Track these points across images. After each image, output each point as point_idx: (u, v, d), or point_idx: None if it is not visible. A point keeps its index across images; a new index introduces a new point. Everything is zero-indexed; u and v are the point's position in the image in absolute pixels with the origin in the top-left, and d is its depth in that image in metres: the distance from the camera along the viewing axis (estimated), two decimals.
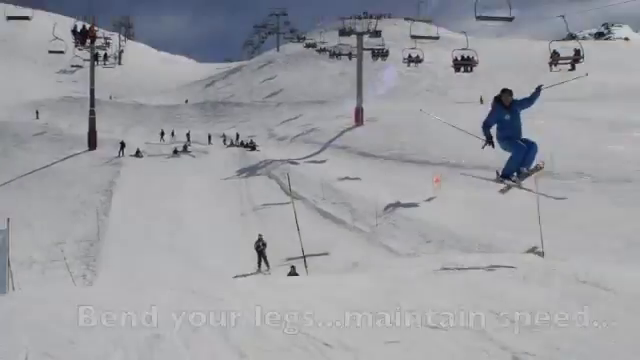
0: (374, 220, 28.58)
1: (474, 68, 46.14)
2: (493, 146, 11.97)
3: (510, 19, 21.63)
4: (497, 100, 11.58)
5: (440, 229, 24.78)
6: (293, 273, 21.27)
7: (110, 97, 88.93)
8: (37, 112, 73.35)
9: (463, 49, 44.18)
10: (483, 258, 13.67)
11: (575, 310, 7.16)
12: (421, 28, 37.56)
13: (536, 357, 5.87)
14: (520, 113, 11.79)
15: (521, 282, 8.74)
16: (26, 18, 47.88)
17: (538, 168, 12.66)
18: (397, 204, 30.94)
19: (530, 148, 11.81)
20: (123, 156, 53.33)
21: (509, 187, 12.51)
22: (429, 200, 30.60)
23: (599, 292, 7.70)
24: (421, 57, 54.24)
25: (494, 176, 12.67)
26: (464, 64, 44.70)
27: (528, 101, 11.96)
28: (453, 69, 48.06)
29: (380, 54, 61.88)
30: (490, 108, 11.78)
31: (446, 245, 22.94)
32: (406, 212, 28.96)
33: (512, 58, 64.54)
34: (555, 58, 34.83)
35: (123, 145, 55.04)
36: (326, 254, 22.01)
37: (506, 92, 11.65)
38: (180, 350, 6.55)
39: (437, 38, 39.02)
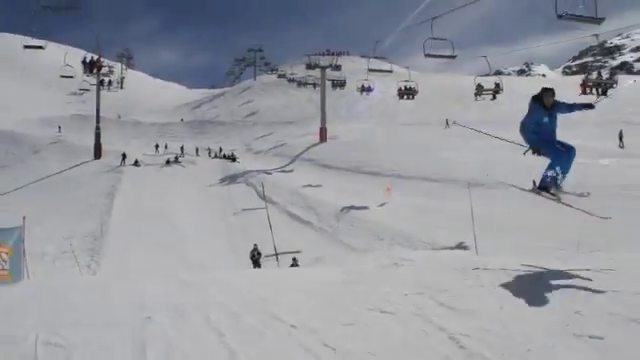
0: (335, 222, 28.71)
1: (416, 97, 46.63)
2: (539, 153, 10.29)
3: (453, 57, 21.82)
4: (536, 100, 9.84)
5: (390, 229, 24.87)
6: (295, 264, 21.30)
7: (119, 116, 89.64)
8: (59, 127, 74.17)
9: (406, 81, 44.72)
10: (426, 253, 13.72)
11: (502, 298, 7.19)
12: (376, 63, 37.80)
13: (469, 337, 5.87)
14: (557, 117, 10.04)
15: (457, 274, 8.73)
16: (40, 47, 47.87)
17: (583, 195, 11.27)
18: (351, 207, 31.15)
19: (569, 153, 10.23)
20: (124, 165, 53.44)
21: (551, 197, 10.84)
22: (381, 205, 30.75)
23: (520, 283, 7.73)
24: (372, 87, 55.27)
25: (530, 186, 11.42)
26: (407, 93, 45.17)
27: (569, 108, 10.13)
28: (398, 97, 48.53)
29: (339, 84, 62.45)
30: (528, 109, 9.94)
31: (395, 242, 23.04)
32: (360, 214, 29.08)
33: (449, 90, 65.39)
34: (479, 90, 35.39)
35: (124, 156, 55.38)
36: (298, 252, 21.99)
37: (548, 92, 9.76)
38: (168, 330, 6.59)
39: (390, 72, 39.37)
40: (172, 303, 7.79)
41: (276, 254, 20.48)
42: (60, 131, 72.21)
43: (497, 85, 34.05)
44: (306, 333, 6.32)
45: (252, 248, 24.71)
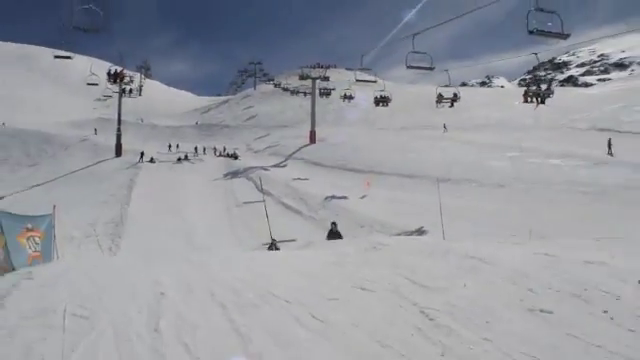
0: (322, 211, 28.72)
1: (392, 105, 46.78)
2: None
3: (432, 69, 21.82)
4: None
5: (370, 218, 24.90)
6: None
7: (141, 120, 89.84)
8: (95, 129, 74.10)
9: (382, 90, 44.77)
10: (400, 239, 13.72)
11: (466, 278, 7.21)
12: (363, 75, 37.81)
13: (438, 311, 5.92)
14: None
15: (428, 257, 8.76)
16: (68, 57, 47.45)
17: None
18: (333, 197, 31.36)
19: None
20: (142, 162, 53.18)
21: None
22: (362, 197, 30.77)
23: (483, 265, 7.77)
24: (353, 95, 55.55)
25: None
26: (382, 101, 45.32)
27: None
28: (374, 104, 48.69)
29: (325, 93, 62.58)
30: None
31: (374, 229, 23.05)
32: (344, 204, 29.13)
33: (421, 98, 65.52)
34: (440, 98, 35.57)
35: (142, 154, 55.13)
36: (294, 240, 21.98)
37: None
38: (178, 304, 6.63)
39: (375, 82, 39.37)
40: (182, 280, 7.80)
41: (272, 242, 20.40)
42: (96, 133, 71.95)
43: (455, 95, 34.24)
44: (297, 306, 6.34)
45: (270, 242, 23.83)
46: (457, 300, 6.28)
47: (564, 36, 15.05)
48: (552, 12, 14.70)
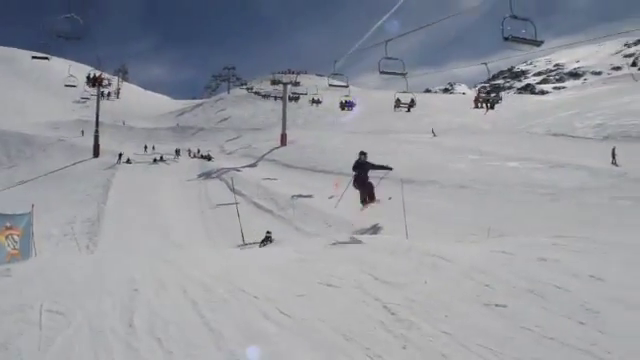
0: (291, 210, 28.67)
1: (358, 109, 47.07)
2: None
3: (404, 74, 21.81)
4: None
5: (337, 217, 24.86)
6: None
7: (123, 122, 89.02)
8: (82, 131, 72.59)
9: (346, 96, 44.96)
10: (365, 237, 13.76)
11: (426, 274, 7.26)
12: (335, 80, 37.71)
13: (399, 305, 5.97)
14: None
15: (391, 255, 8.81)
16: (46, 58, 46.71)
17: None
18: (299, 195, 31.47)
19: None
20: (120, 163, 52.79)
21: None
22: (330, 198, 30.75)
23: (443, 263, 7.84)
24: (321, 100, 55.68)
25: None
26: (347, 106, 45.58)
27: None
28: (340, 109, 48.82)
29: (295, 98, 62.77)
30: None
31: (341, 229, 23.02)
32: (312, 204, 29.12)
33: (386, 103, 66.17)
34: (397, 103, 35.74)
35: (120, 156, 54.83)
36: (270, 238, 21.99)
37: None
38: (152, 300, 6.62)
39: (347, 87, 39.45)
40: (156, 277, 7.78)
41: (244, 243, 20.33)
42: (83, 134, 71.01)
43: (412, 100, 34.48)
44: (265, 302, 6.34)
45: (264, 237, 23.02)
46: (417, 295, 6.34)
47: (538, 43, 15.00)
48: (526, 20, 14.46)
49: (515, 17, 14.23)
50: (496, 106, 31.40)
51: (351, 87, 49.45)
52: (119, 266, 9.10)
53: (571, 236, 9.60)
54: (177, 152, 63.88)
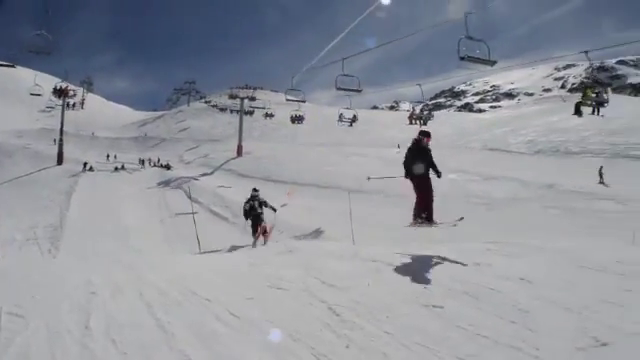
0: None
1: (309, 123, 47.11)
2: None
3: (359, 91, 21.78)
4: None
5: (289, 224, 24.80)
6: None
7: (92, 133, 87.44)
8: (55, 140, 69.76)
9: (296, 110, 44.97)
10: (315, 243, 13.76)
11: (370, 278, 7.28)
12: (293, 94, 37.56)
13: (344, 307, 5.97)
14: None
15: (338, 259, 8.82)
16: (12, 66, 45.43)
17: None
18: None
19: None
20: (85, 172, 51.76)
21: None
22: (283, 205, 30.65)
23: (385, 267, 7.88)
24: (273, 114, 55.80)
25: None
26: (297, 119, 45.61)
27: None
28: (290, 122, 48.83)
29: (250, 112, 62.85)
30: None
31: (293, 235, 22.99)
32: (266, 211, 28.98)
33: (335, 118, 66.78)
34: (341, 118, 35.82)
35: (86, 164, 53.86)
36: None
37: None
38: (108, 303, 6.54)
39: (304, 101, 39.47)
40: (113, 281, 7.69)
41: (200, 250, 20.07)
42: (55, 142, 69.00)
43: (354, 116, 34.63)
44: (217, 304, 6.30)
45: (250, 197, 20.09)
46: (361, 298, 6.34)
47: (491, 62, 14.99)
48: (480, 40, 14.47)
49: (470, 38, 14.28)
50: (429, 122, 31.81)
51: (304, 103, 49.58)
52: (78, 270, 8.95)
53: (503, 242, 9.75)
54: (142, 162, 63.01)
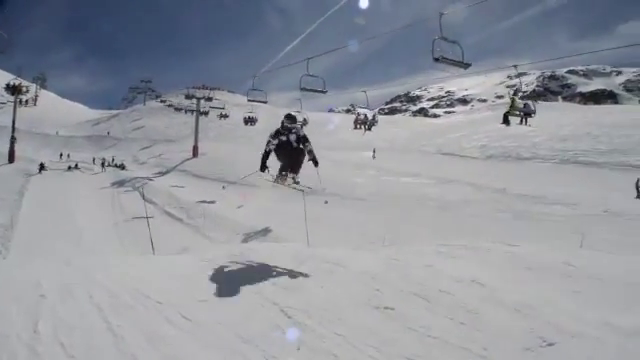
0: (200, 219, 28.28)
1: (266, 125, 46.83)
2: None
3: (324, 92, 21.52)
4: None
5: (245, 226, 24.82)
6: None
7: (57, 133, 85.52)
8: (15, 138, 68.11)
9: (250, 112, 44.81)
10: (270, 244, 13.72)
11: (322, 280, 7.30)
12: (254, 95, 36.92)
13: (295, 309, 5.97)
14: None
15: (290, 261, 8.79)
16: None
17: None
18: (202, 201, 31.31)
19: None
20: (41, 173, 50.38)
21: None
22: (239, 207, 30.56)
23: (338, 269, 7.91)
24: (228, 114, 55.48)
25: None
26: (250, 121, 45.44)
27: None
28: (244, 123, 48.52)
29: (205, 112, 62.50)
30: None
31: (248, 237, 22.95)
32: (220, 212, 28.79)
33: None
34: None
35: (42, 166, 52.43)
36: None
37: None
38: (57, 306, 6.31)
39: (266, 102, 39.20)
40: (63, 283, 7.45)
41: (152, 248, 19.77)
42: (16, 141, 67.39)
43: (304, 119, 34.63)
44: (169, 307, 6.20)
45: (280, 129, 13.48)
46: (314, 300, 6.36)
47: (465, 65, 14.64)
48: (454, 42, 14.09)
49: (445, 39, 13.88)
50: (373, 128, 32.06)
51: (263, 104, 49.21)
52: (27, 272, 8.68)
53: (455, 244, 9.91)
54: (101, 164, 61.50)
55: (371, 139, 61.19)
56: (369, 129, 32.17)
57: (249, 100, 39.06)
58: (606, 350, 4.62)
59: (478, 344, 4.81)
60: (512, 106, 21.42)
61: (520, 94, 23.02)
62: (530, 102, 21.39)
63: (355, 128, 33.01)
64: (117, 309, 6.18)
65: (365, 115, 30.58)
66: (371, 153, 54.44)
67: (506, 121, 21.58)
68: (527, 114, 21.16)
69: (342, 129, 75.38)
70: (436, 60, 14.09)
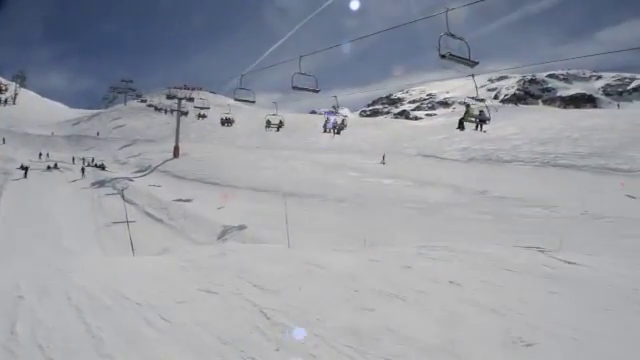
0: (182, 220, 28.10)
1: (248, 126, 46.63)
2: None
3: (317, 91, 21.18)
4: None
5: (225, 227, 24.64)
6: None
7: (52, 133, 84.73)
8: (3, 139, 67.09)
9: (227, 113, 44.45)
10: (249, 246, 13.70)
11: (302, 281, 7.33)
12: (242, 94, 36.45)
13: (274, 310, 5.99)
14: None
15: (271, 262, 8.81)
16: None
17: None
18: (179, 199, 31.18)
19: None
20: (26, 177, 49.57)
21: None
22: (220, 208, 30.42)
23: (318, 270, 7.95)
24: (207, 115, 54.99)
25: None
26: (226, 122, 44.98)
27: None
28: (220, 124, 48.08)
29: (185, 112, 62.19)
30: None
31: (229, 238, 22.85)
32: (201, 213, 28.62)
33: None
34: (268, 124, 35.47)
35: (27, 170, 51.68)
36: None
37: None
38: (36, 307, 6.32)
39: (254, 102, 38.94)
40: (41, 284, 7.42)
41: (132, 248, 19.61)
42: (4, 142, 66.52)
43: (280, 121, 34.42)
44: (148, 309, 6.20)
45: None
46: (292, 301, 6.39)
47: (473, 63, 13.95)
48: (461, 39, 13.29)
49: (452, 35, 13.09)
50: (342, 132, 32.10)
51: (244, 105, 48.99)
52: (4, 273, 8.60)
53: (434, 246, 9.98)
54: (83, 169, 60.84)
55: (352, 140, 61.39)
56: (338, 133, 32.23)
57: (236, 99, 38.82)
58: (582, 350, 4.70)
59: (456, 344, 4.87)
60: (467, 112, 21.60)
61: (474, 103, 23.06)
62: (485, 109, 21.58)
63: (324, 132, 33.06)
64: (96, 310, 6.17)
65: (334, 119, 30.53)
66: (380, 159, 53.98)
67: (461, 126, 21.81)
68: (482, 120, 21.37)
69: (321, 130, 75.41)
70: (442, 57, 13.47)
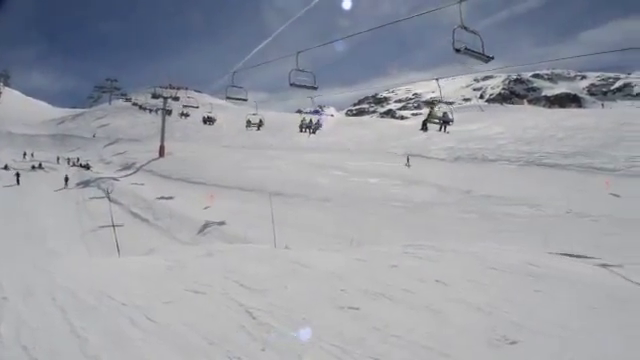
0: (167, 219, 27.97)
1: (232, 126, 46.39)
2: None
3: (315, 88, 20.97)
4: None
5: (211, 227, 24.59)
6: None
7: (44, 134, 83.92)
8: None
9: (209, 112, 44.28)
10: (236, 246, 13.69)
11: (287, 280, 7.34)
12: (234, 92, 36.17)
13: (260, 310, 6.01)
14: None
15: (257, 262, 8.82)
16: None
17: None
18: (161, 197, 31.23)
19: None
20: (18, 184, 49.12)
21: None
22: (206, 208, 30.32)
23: (303, 269, 7.97)
24: (189, 114, 54.72)
25: None
26: (208, 120, 44.78)
27: None
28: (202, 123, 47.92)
29: (169, 111, 61.91)
30: None
31: (215, 237, 22.79)
32: (188, 213, 28.53)
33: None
34: (248, 123, 35.35)
35: (17, 174, 51.24)
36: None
37: None
38: (20, 308, 6.28)
39: (246, 100, 38.73)
40: (25, 285, 7.38)
41: (118, 248, 19.51)
42: None
43: (260, 121, 34.30)
44: (133, 309, 6.19)
45: None
46: (278, 300, 6.40)
47: (487, 58, 13.43)
48: (474, 32, 12.67)
49: (465, 28, 12.42)
50: (317, 132, 32.13)
51: (230, 104, 48.85)
52: None
53: (420, 245, 10.01)
54: (66, 178, 60.40)
55: (337, 139, 61.45)
56: (313, 132, 32.27)
57: (228, 97, 38.59)
58: (567, 348, 4.75)
59: (441, 343, 4.90)
60: (430, 114, 21.81)
61: (438, 106, 23.17)
62: (449, 111, 21.85)
63: (301, 131, 33.10)
64: (81, 311, 6.14)
65: (310, 120, 30.60)
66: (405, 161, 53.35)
67: (424, 127, 22.04)
68: (445, 122, 21.62)
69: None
70: (457, 51, 12.94)
